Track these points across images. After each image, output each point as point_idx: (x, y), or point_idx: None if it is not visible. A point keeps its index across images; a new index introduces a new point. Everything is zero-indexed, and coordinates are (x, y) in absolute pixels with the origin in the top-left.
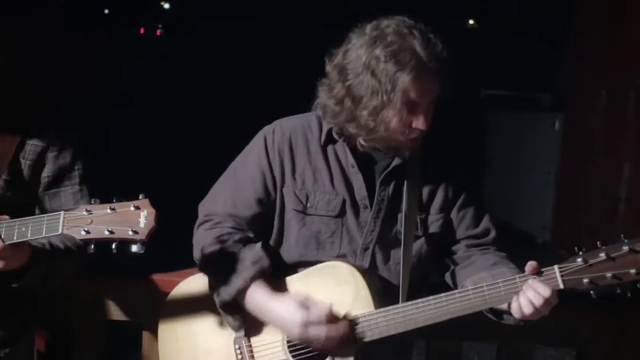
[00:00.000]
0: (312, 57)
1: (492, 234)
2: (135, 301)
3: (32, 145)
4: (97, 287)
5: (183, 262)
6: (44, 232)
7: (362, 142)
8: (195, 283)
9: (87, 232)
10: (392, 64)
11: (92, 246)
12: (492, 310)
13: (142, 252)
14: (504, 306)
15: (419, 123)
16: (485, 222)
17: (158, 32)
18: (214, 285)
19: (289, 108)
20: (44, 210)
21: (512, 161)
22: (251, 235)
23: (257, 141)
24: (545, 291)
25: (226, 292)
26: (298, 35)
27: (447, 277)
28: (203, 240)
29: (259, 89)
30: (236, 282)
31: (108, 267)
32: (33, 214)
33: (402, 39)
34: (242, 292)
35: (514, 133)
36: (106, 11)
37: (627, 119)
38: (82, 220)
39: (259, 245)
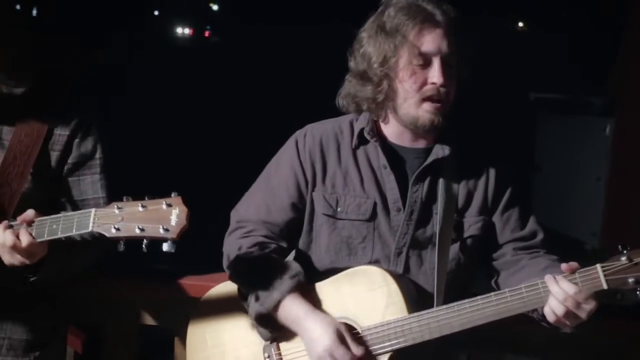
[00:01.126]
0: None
1: (540, 235)
2: (169, 306)
3: (60, 135)
4: (130, 290)
5: (218, 266)
6: (74, 230)
7: (391, 131)
8: (225, 289)
9: (118, 229)
10: (401, 16)
11: (123, 244)
12: (545, 320)
13: (173, 250)
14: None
15: (433, 76)
16: (532, 224)
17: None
18: (247, 295)
19: (313, 109)
20: (65, 198)
21: (562, 166)
22: (284, 245)
23: (288, 145)
24: (570, 288)
25: (262, 305)
26: (317, 36)
27: (493, 283)
28: (235, 248)
29: (282, 90)
30: (274, 295)
31: (142, 270)
32: (60, 205)
33: (411, 1)
34: (278, 305)
35: (564, 137)
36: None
37: None
38: (113, 218)
39: (294, 261)
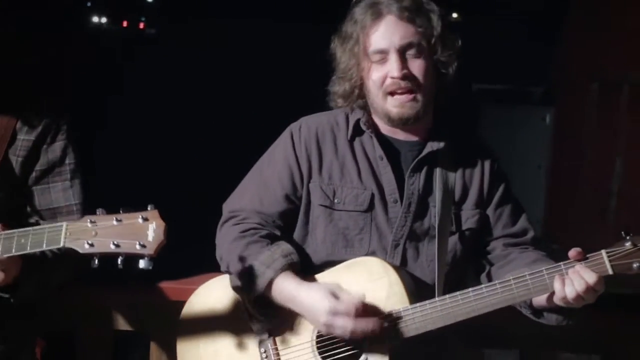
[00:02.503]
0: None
1: (530, 233)
2: (143, 311)
3: (24, 141)
4: (104, 296)
5: (192, 270)
6: (44, 245)
7: (383, 123)
8: (215, 287)
9: (91, 245)
10: (356, 17)
11: (96, 260)
12: (532, 309)
13: (150, 268)
14: (542, 302)
15: (391, 69)
16: (523, 221)
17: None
18: (242, 280)
19: (300, 109)
20: (32, 207)
21: (503, 155)
22: (277, 232)
23: (283, 137)
24: (591, 277)
25: (257, 286)
26: (303, 34)
27: (484, 278)
28: (227, 237)
29: (262, 91)
30: (267, 273)
31: (115, 276)
32: (26, 215)
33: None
34: (271, 283)
35: (505, 127)
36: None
37: (620, 113)
38: (86, 233)
39: (285, 243)
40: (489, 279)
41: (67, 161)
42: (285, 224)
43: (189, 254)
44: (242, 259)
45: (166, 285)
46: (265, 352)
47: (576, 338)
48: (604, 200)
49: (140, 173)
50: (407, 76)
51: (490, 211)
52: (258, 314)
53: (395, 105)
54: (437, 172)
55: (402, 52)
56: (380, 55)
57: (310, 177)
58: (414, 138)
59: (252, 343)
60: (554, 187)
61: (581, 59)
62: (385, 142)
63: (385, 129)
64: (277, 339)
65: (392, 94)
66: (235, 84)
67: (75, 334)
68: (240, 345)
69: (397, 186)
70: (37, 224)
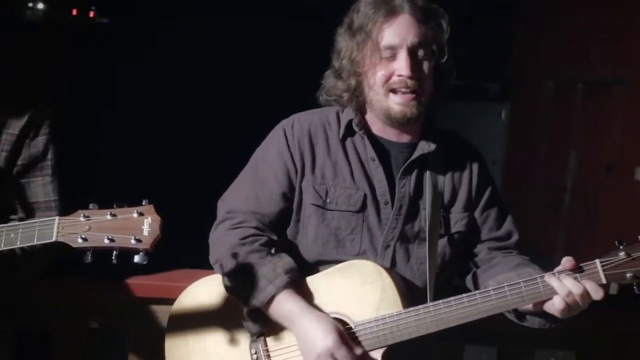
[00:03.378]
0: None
1: (515, 236)
2: (120, 308)
3: (9, 134)
4: (80, 294)
5: (171, 266)
6: (35, 240)
7: (375, 124)
8: (205, 286)
9: (85, 239)
10: (367, 11)
11: (90, 255)
12: (515, 312)
13: (145, 262)
14: (529, 306)
15: (399, 68)
16: (508, 225)
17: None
18: (240, 290)
19: (290, 106)
20: (13, 201)
21: None
22: (274, 237)
23: (276, 134)
24: (589, 284)
25: (257, 299)
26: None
27: (468, 280)
28: (224, 241)
29: (255, 88)
30: (269, 288)
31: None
32: (12, 209)
33: None
34: (272, 299)
35: (461, 122)
36: None
37: (574, 109)
38: (79, 227)
39: (287, 255)
40: (474, 281)
41: (48, 156)
42: (282, 222)
43: (168, 251)
44: (242, 268)
45: (144, 282)
46: (255, 352)
47: (552, 335)
48: (558, 195)
49: (127, 169)
50: (415, 77)
51: (477, 214)
52: (252, 320)
53: (397, 103)
54: (427, 174)
55: (412, 51)
56: (390, 52)
57: (303, 175)
58: (404, 139)
59: (242, 343)
60: (508, 182)
61: (537, 56)
62: (377, 143)
63: (377, 129)
64: (268, 339)
65: (394, 91)
66: (225, 80)
67: (51, 332)
68: (231, 345)
69: (388, 188)
70: (20, 219)
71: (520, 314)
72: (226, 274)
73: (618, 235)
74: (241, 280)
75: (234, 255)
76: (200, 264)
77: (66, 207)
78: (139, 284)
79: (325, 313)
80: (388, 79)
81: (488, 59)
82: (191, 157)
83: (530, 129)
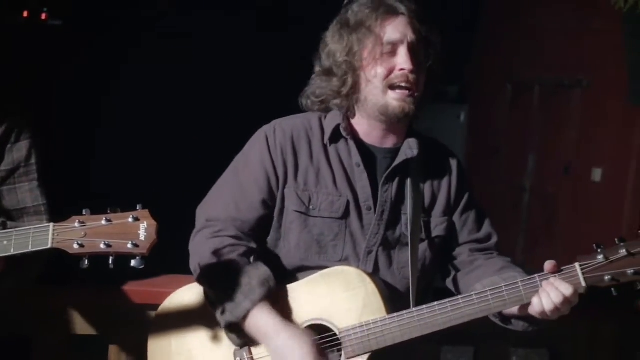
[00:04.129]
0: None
1: (495, 238)
2: (101, 314)
3: None
4: (61, 299)
5: (154, 272)
6: (30, 247)
7: (360, 128)
8: (188, 293)
9: (81, 245)
10: (364, 10)
11: (86, 261)
12: (501, 316)
13: (142, 266)
14: (514, 310)
15: (401, 62)
16: (487, 227)
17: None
18: (216, 302)
19: (276, 110)
20: (0, 209)
21: None
22: (254, 245)
23: (257, 140)
24: (568, 290)
25: (232, 315)
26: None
27: (449, 282)
28: (203, 250)
29: (234, 95)
30: (244, 304)
31: (72, 278)
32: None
33: None
34: (247, 314)
35: (420, 124)
36: None
37: (532, 112)
38: (75, 233)
39: (263, 265)
40: (455, 284)
41: (32, 160)
42: (261, 229)
43: (152, 256)
44: (219, 280)
45: (127, 288)
46: None
47: (527, 335)
48: (517, 196)
49: (113, 174)
50: (415, 71)
51: (456, 217)
52: (231, 334)
53: (396, 99)
54: (409, 180)
55: (412, 47)
56: (391, 47)
57: (285, 181)
58: (388, 145)
59: (227, 351)
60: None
61: (495, 60)
62: (363, 148)
63: (362, 134)
64: (253, 348)
65: (393, 87)
66: (205, 88)
67: (31, 339)
68: (215, 353)
69: (372, 193)
70: (3, 223)
71: (505, 318)
72: (203, 284)
73: (576, 234)
74: (217, 293)
75: (210, 267)
76: (184, 269)
77: (54, 211)
78: (122, 290)
79: (299, 326)
80: (389, 74)
81: (447, 61)
82: (170, 162)
83: (489, 131)
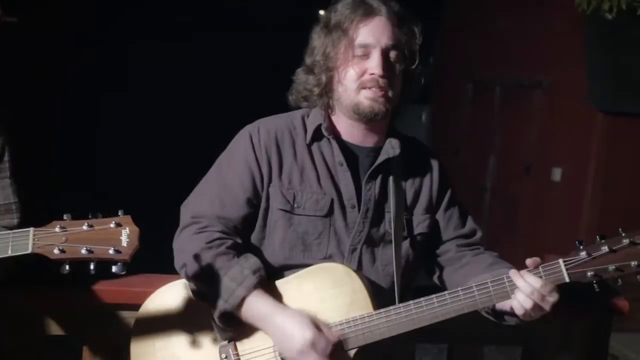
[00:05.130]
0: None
1: (479, 233)
2: (75, 314)
3: None
4: (34, 300)
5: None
6: (9, 251)
7: (342, 127)
8: (171, 292)
9: (62, 251)
10: (344, 11)
11: (67, 266)
12: (494, 312)
13: (123, 272)
14: (505, 307)
15: (372, 67)
16: (471, 222)
17: None
18: (209, 295)
19: (260, 110)
20: None
21: None
22: (239, 240)
23: (242, 139)
24: (536, 282)
25: (227, 303)
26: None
27: (436, 279)
28: (191, 246)
29: (218, 95)
30: (238, 291)
31: (45, 279)
32: None
33: None
34: (242, 301)
35: None
36: None
37: (493, 112)
38: (55, 238)
39: (253, 256)
40: (441, 281)
41: (6, 158)
42: (246, 227)
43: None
44: (210, 272)
45: (99, 288)
46: (226, 357)
47: (499, 333)
48: (479, 195)
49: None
50: (386, 76)
51: (439, 215)
52: (224, 324)
53: (367, 97)
54: (391, 178)
55: (385, 52)
56: (364, 50)
57: (270, 180)
58: (369, 144)
59: (211, 348)
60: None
61: (456, 60)
62: (344, 147)
63: (344, 133)
64: (238, 344)
65: (366, 87)
66: (189, 89)
67: (3, 340)
68: (200, 350)
69: (355, 192)
70: None
71: (498, 314)
72: (193, 279)
73: (537, 232)
74: (209, 285)
75: (201, 260)
76: (160, 269)
77: (25, 210)
78: (97, 290)
79: (298, 309)
80: (360, 76)
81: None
82: (153, 161)
83: (450, 131)
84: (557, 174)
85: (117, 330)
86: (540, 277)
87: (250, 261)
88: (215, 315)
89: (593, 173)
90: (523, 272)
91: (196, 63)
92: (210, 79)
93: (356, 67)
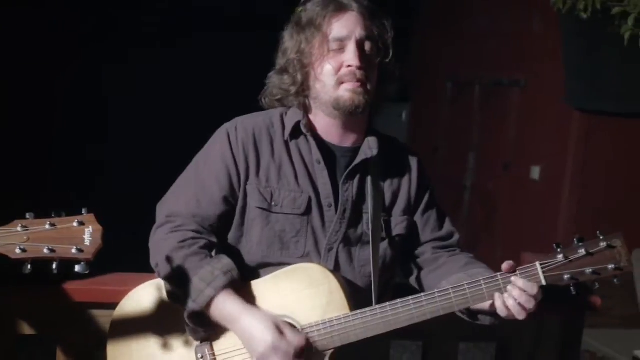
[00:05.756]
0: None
1: (456, 235)
2: (47, 313)
3: None
4: (4, 299)
5: (99, 269)
6: None
7: (320, 126)
8: (146, 291)
9: (24, 250)
10: (315, 8)
11: (29, 266)
12: (469, 312)
13: (87, 272)
14: (481, 306)
15: (348, 59)
16: (448, 225)
17: None
18: (180, 294)
19: (239, 108)
20: None
21: None
22: (214, 239)
23: (219, 138)
24: (533, 289)
25: (196, 303)
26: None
27: (413, 280)
28: (164, 245)
29: (204, 89)
30: (207, 291)
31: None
32: None
33: None
34: (211, 302)
35: None
36: None
37: (472, 111)
38: (17, 237)
39: (226, 256)
40: (419, 282)
41: None
42: (222, 225)
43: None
44: (180, 272)
45: (70, 287)
46: (202, 357)
47: (475, 329)
48: (458, 194)
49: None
50: (363, 67)
51: (417, 217)
52: (195, 325)
53: (348, 90)
54: (369, 179)
55: (360, 44)
56: (339, 44)
57: (247, 178)
58: (347, 143)
59: (188, 348)
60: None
61: (435, 58)
62: (322, 146)
63: (322, 131)
64: (214, 343)
65: (345, 81)
66: (168, 89)
67: None
68: (176, 350)
69: (332, 191)
70: None
71: (472, 314)
72: (165, 278)
73: (515, 230)
74: (179, 284)
75: (172, 259)
76: (137, 268)
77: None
78: (69, 289)
79: (266, 311)
80: (337, 70)
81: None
82: (130, 159)
83: (430, 129)
84: (535, 172)
85: (91, 330)
86: (529, 281)
87: (223, 262)
88: (185, 315)
89: (571, 171)
90: (515, 277)
91: (173, 60)
92: (189, 76)
93: (332, 61)
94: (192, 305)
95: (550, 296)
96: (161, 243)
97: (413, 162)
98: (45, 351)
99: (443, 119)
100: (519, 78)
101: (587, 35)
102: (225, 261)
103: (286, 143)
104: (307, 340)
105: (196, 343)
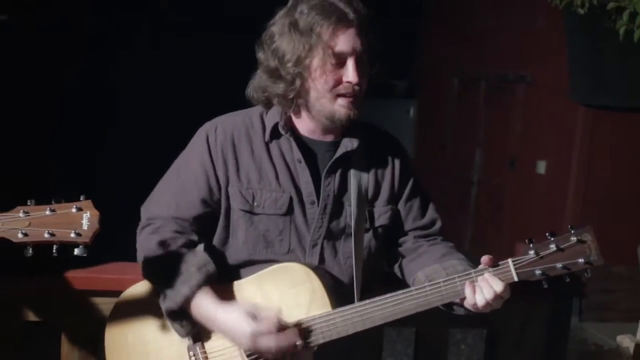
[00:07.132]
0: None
1: (439, 224)
2: (53, 301)
3: None
4: (10, 287)
5: (102, 258)
6: None
7: (303, 125)
8: (144, 287)
9: (25, 234)
10: (314, 15)
11: (30, 249)
12: (445, 304)
13: (85, 255)
14: (459, 300)
15: (348, 75)
16: (431, 213)
17: None
18: (160, 292)
19: (222, 106)
20: None
21: None
22: (195, 238)
23: (198, 140)
24: (499, 286)
25: (172, 301)
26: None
27: (396, 268)
28: (146, 245)
29: (189, 88)
30: (182, 290)
31: (22, 267)
32: None
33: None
34: (188, 300)
35: (370, 119)
36: None
37: (478, 106)
38: (19, 222)
39: (201, 248)
40: (401, 270)
41: None
42: (202, 227)
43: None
44: (160, 271)
45: (75, 275)
46: (193, 355)
47: (465, 316)
48: (465, 189)
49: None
50: (359, 83)
51: (400, 205)
52: (174, 322)
53: (343, 106)
54: (352, 171)
55: (359, 59)
56: (339, 58)
57: (227, 181)
58: (329, 138)
59: (181, 346)
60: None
61: (442, 55)
62: (303, 145)
63: (304, 130)
64: (206, 343)
65: (341, 95)
66: (152, 90)
67: None
68: (170, 348)
69: (315, 188)
70: None
71: (448, 305)
72: (146, 277)
73: (522, 224)
74: (158, 282)
75: (151, 259)
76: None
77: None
78: (73, 277)
79: (238, 303)
80: (335, 85)
81: (394, 57)
82: (128, 152)
83: (437, 125)
84: (541, 166)
85: (94, 317)
86: (489, 278)
87: (197, 257)
88: (164, 313)
89: (576, 165)
90: (487, 275)
91: (157, 58)
92: (173, 76)
93: (332, 74)
94: (168, 303)
95: (538, 284)
96: (143, 243)
97: (396, 150)
98: (52, 337)
99: (450, 115)
100: (525, 74)
101: (587, 31)
102: (200, 256)
103: (266, 144)
104: (280, 317)
105: (189, 341)
